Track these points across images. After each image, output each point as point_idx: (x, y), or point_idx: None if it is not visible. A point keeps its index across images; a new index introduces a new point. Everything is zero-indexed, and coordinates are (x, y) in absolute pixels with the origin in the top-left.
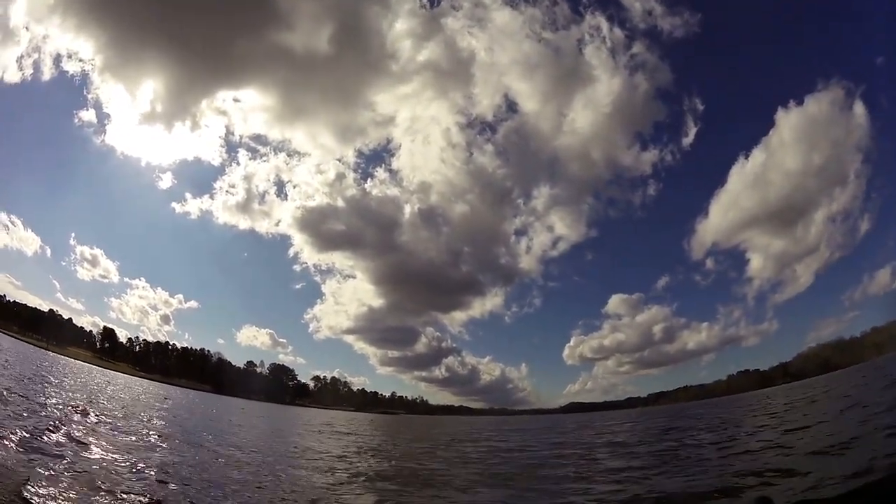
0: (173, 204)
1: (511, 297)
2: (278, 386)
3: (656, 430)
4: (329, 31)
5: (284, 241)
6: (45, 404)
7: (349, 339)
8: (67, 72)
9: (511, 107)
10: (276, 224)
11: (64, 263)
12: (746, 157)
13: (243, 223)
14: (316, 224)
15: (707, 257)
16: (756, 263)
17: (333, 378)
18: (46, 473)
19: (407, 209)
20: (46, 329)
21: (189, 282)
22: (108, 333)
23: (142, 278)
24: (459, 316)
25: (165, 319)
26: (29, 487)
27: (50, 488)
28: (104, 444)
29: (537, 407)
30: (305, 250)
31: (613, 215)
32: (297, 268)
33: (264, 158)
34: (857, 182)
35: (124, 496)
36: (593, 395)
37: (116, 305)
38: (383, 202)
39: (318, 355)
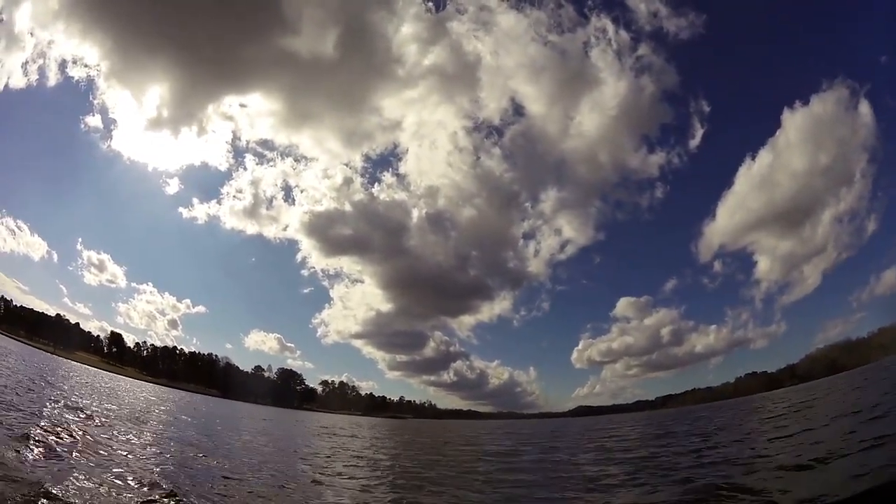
0: (180, 209)
1: (519, 301)
2: (286, 390)
3: (650, 435)
4: (335, 35)
5: (292, 245)
6: (49, 406)
7: (357, 343)
8: (73, 77)
9: (518, 110)
10: (284, 229)
11: (71, 268)
12: (753, 158)
13: (251, 228)
14: (323, 229)
15: (715, 259)
16: (763, 265)
17: (342, 382)
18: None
19: (414, 213)
20: (53, 333)
21: (197, 287)
22: (116, 338)
23: (149, 283)
24: (468, 320)
25: (173, 324)
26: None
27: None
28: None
29: (546, 410)
30: (313, 255)
31: (621, 218)
32: (304, 272)
33: (271, 163)
34: (863, 182)
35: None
36: (602, 399)
37: (124, 310)
38: (391, 207)
39: (326, 360)
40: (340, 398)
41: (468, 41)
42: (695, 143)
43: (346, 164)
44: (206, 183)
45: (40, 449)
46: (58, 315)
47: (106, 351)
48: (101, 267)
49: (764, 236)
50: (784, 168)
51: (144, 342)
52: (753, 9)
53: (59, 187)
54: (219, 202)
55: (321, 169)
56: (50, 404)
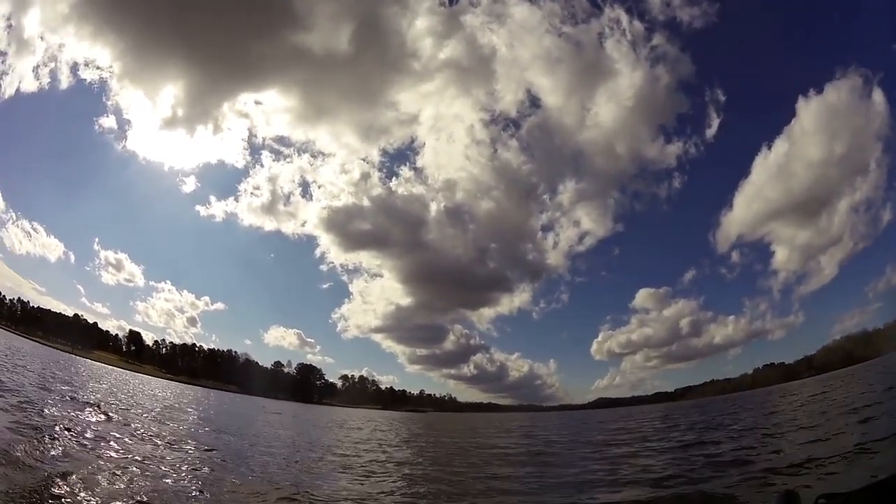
0: (197, 207)
1: (539, 293)
2: (305, 385)
3: (650, 429)
4: (348, 31)
5: (311, 241)
6: (64, 402)
7: (377, 337)
8: (85, 80)
9: (534, 102)
10: (302, 225)
11: (88, 268)
12: (769, 147)
13: (269, 224)
14: (342, 224)
15: (732, 250)
16: (781, 255)
17: (361, 377)
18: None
19: (433, 207)
20: (71, 334)
21: (215, 284)
22: (134, 336)
23: (167, 281)
24: (487, 313)
25: (192, 322)
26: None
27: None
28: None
29: (566, 403)
30: (332, 250)
31: (639, 209)
32: (323, 268)
33: (288, 159)
34: (878, 171)
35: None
36: (621, 391)
37: (142, 309)
38: (409, 200)
39: (346, 354)
40: (360, 392)
41: (482, 34)
42: (711, 132)
43: (364, 159)
44: (223, 180)
45: (57, 443)
46: (75, 315)
47: (124, 349)
48: (118, 266)
49: (781, 226)
50: (800, 157)
51: (163, 340)
52: None
53: (75, 189)
54: (236, 199)
55: (338, 164)
56: (65, 400)
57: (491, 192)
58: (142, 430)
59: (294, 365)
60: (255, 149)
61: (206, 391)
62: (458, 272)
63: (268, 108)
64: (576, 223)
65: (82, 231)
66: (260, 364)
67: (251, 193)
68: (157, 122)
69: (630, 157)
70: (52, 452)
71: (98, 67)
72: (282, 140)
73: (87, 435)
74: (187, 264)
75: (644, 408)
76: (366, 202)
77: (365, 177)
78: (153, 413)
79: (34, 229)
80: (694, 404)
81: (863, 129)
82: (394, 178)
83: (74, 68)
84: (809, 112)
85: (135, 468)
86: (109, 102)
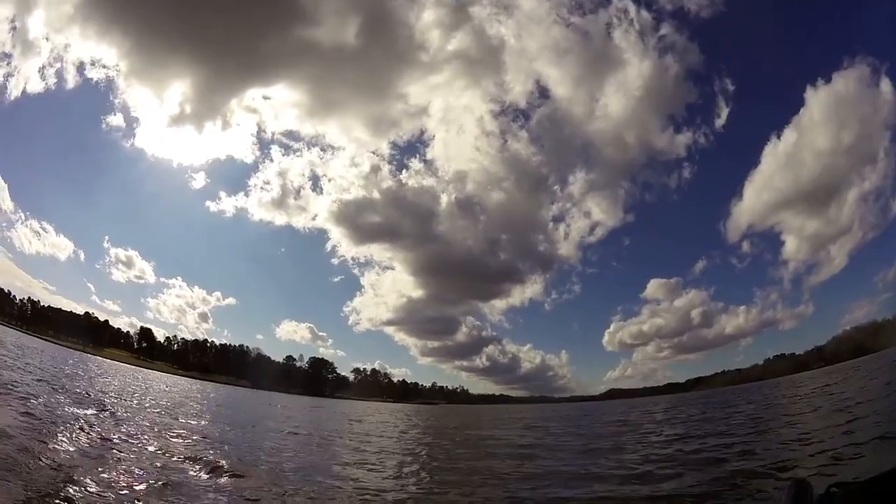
0: (207, 203)
1: (550, 284)
2: (317, 379)
3: (645, 421)
4: (356, 24)
5: (321, 234)
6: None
7: (389, 330)
8: (92, 79)
9: (543, 93)
10: (313, 218)
11: (98, 266)
12: (779, 136)
13: (279, 219)
14: (352, 217)
15: (743, 240)
16: (791, 245)
17: (374, 370)
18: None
19: (443, 199)
20: (82, 331)
21: (226, 279)
22: (146, 333)
23: (178, 277)
24: (499, 304)
25: (203, 317)
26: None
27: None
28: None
29: (578, 394)
30: (343, 243)
31: (649, 199)
32: (334, 261)
33: (298, 154)
34: (886, 161)
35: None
36: (633, 382)
37: (153, 305)
38: (419, 193)
39: (358, 348)
40: (372, 385)
41: (490, 25)
42: (720, 122)
43: (373, 152)
44: (233, 176)
45: (68, 438)
46: (86, 313)
47: (136, 346)
48: (129, 263)
49: (791, 216)
50: (809, 146)
51: (175, 336)
52: None
53: (84, 187)
54: (246, 194)
55: (348, 157)
56: (76, 398)
57: (501, 183)
58: (146, 425)
59: (305, 359)
60: (264, 144)
61: (215, 386)
62: (469, 264)
63: (276, 102)
64: (586, 214)
65: (92, 229)
66: (272, 359)
67: (261, 188)
68: (164, 119)
69: (639, 148)
70: (65, 451)
71: (104, 66)
72: (291, 134)
73: (95, 433)
74: (198, 260)
75: (657, 398)
76: (376, 195)
77: (375, 170)
78: (162, 407)
79: (43, 229)
80: (698, 396)
81: (871, 119)
82: (404, 171)
83: (80, 68)
84: (818, 101)
85: (142, 465)
86: (117, 101)
